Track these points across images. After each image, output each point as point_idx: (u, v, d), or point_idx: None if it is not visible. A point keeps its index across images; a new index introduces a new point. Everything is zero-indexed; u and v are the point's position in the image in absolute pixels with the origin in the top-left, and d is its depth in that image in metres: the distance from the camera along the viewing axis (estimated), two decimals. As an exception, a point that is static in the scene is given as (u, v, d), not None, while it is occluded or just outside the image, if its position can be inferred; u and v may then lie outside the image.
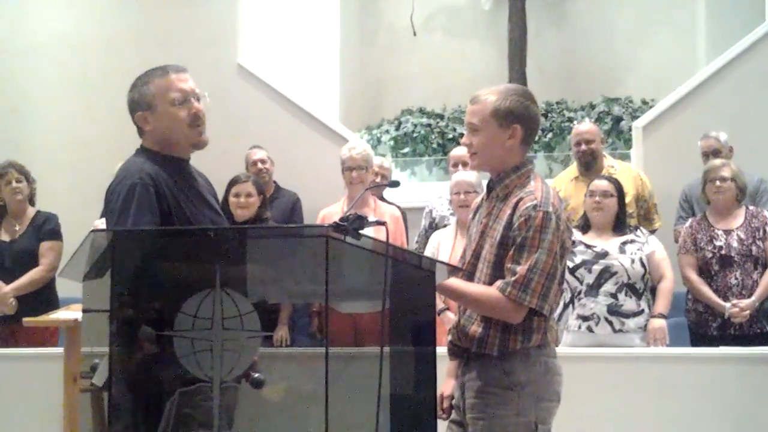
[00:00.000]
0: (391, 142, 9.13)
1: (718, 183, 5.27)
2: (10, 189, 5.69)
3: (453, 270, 2.83)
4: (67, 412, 4.47)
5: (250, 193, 5.42)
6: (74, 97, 7.68)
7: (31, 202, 5.81)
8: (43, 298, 5.54)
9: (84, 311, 2.77)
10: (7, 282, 5.55)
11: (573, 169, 6.06)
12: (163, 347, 2.34)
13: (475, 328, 2.86)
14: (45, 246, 5.66)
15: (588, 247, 4.94)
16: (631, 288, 4.88)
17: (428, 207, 5.97)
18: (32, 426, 4.74)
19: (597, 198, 5.02)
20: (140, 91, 2.90)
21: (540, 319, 2.83)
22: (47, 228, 5.70)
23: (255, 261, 2.53)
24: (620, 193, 5.09)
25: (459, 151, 5.92)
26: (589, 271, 4.89)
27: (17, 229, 5.72)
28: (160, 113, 2.88)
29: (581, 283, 4.90)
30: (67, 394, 4.48)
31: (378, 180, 5.97)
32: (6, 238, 5.71)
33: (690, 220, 5.47)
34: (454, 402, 3.02)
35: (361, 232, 2.28)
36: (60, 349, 4.66)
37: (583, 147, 5.83)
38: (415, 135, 9.13)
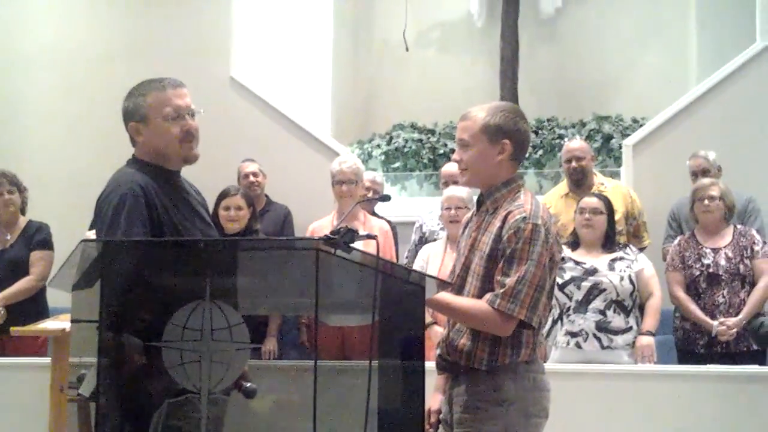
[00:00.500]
0: (382, 157, 9.14)
1: (706, 202, 5.30)
2: (2, 201, 5.66)
3: (442, 284, 2.84)
4: (53, 422, 4.45)
5: (240, 206, 5.42)
6: (67, 107, 7.67)
7: (23, 212, 5.79)
8: (33, 307, 5.49)
9: (72, 321, 2.76)
10: None
11: (563, 185, 6.08)
12: (152, 358, 2.34)
13: (464, 342, 2.86)
14: (35, 255, 5.63)
15: (577, 263, 4.96)
16: (619, 305, 4.89)
17: (418, 222, 5.98)
18: (19, 436, 4.73)
19: (587, 215, 5.04)
20: (136, 101, 2.91)
21: (529, 332, 2.84)
22: (38, 238, 5.67)
23: (245, 273, 2.53)
24: (610, 211, 5.12)
25: (450, 168, 5.94)
26: (578, 288, 4.90)
27: (8, 238, 5.69)
28: (153, 126, 2.89)
29: (570, 299, 4.91)
30: (53, 404, 4.47)
31: (369, 194, 5.98)
32: None
33: (678, 238, 5.49)
34: (441, 416, 3.02)
35: (351, 245, 2.29)
36: (47, 359, 4.64)
37: (574, 164, 5.85)
38: (406, 150, 9.14)
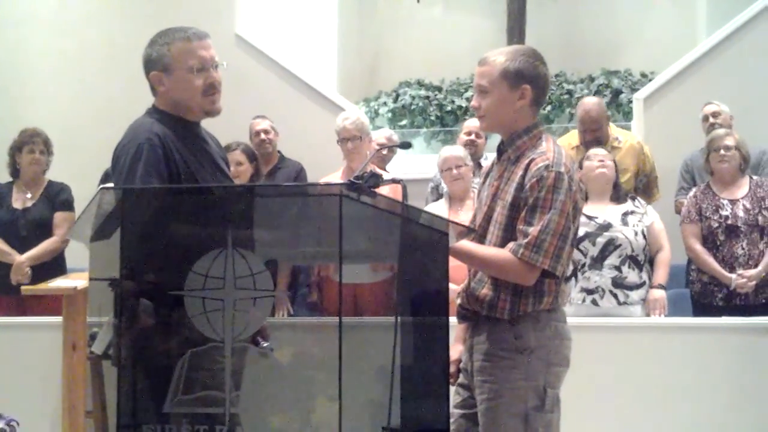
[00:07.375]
0: (389, 115, 9.10)
1: (722, 152, 5.24)
2: (32, 158, 5.64)
3: (466, 231, 2.79)
4: (67, 380, 4.45)
5: (239, 162, 5.30)
6: (76, 66, 7.61)
7: (43, 172, 5.77)
8: (52, 267, 5.50)
9: (91, 279, 2.69)
10: (21, 250, 5.52)
11: (573, 136, 6.00)
12: (173, 308, 2.30)
13: (486, 291, 2.83)
14: (59, 217, 5.61)
15: (590, 218, 4.89)
16: (633, 260, 4.85)
17: (433, 182, 5.89)
18: (33, 395, 4.71)
19: (600, 159, 5.00)
20: (159, 50, 2.86)
21: (551, 281, 2.80)
22: (62, 198, 5.66)
23: (265, 221, 2.48)
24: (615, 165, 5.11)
25: (474, 123, 5.83)
26: (594, 244, 4.84)
27: (29, 197, 5.67)
28: (176, 77, 2.85)
29: (585, 255, 4.85)
30: (66, 362, 4.46)
31: (384, 151, 5.88)
32: (18, 205, 5.65)
33: (694, 189, 5.42)
34: (461, 365, 2.99)
35: (375, 191, 2.25)
36: (60, 318, 4.62)
37: (588, 137, 5.77)
38: (413, 107, 9.10)
